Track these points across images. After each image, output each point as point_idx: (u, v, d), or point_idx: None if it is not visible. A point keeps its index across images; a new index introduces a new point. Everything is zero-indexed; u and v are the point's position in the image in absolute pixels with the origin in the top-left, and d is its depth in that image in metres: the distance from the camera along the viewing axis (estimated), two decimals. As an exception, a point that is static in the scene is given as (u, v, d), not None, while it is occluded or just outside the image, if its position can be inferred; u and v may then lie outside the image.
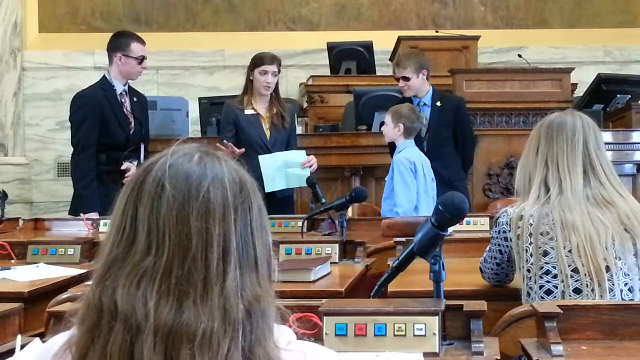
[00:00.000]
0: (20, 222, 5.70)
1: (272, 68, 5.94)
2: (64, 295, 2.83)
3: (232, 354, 1.32)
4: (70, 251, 4.08)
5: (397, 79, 6.33)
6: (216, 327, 1.31)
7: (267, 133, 6.00)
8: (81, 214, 5.75)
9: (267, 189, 5.66)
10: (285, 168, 5.81)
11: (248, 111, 5.99)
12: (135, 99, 6.20)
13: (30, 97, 10.48)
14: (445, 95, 6.57)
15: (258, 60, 5.97)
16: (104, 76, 6.14)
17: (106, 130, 5.97)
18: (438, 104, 6.13)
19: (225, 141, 5.73)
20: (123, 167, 5.95)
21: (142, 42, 6.16)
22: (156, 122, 8.45)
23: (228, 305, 1.33)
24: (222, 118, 6.23)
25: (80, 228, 5.37)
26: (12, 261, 4.08)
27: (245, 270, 1.38)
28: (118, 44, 6.11)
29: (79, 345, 1.34)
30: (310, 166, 5.86)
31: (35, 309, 3.04)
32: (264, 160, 5.79)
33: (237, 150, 5.67)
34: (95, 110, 5.94)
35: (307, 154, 6.07)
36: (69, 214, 6.17)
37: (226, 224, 1.37)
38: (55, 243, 4.21)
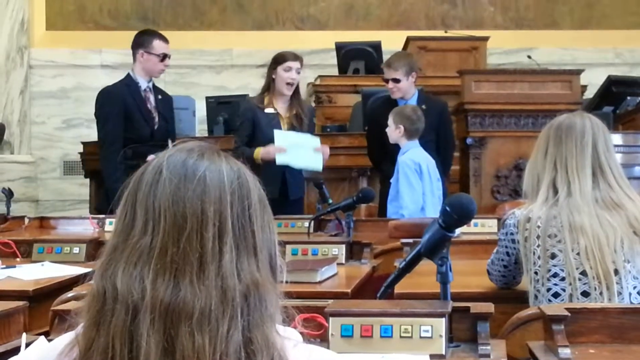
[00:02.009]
0: (26, 220, 5.71)
1: (296, 65, 5.97)
2: (69, 294, 2.83)
3: (232, 334, 1.32)
4: (76, 250, 4.08)
5: (386, 80, 6.34)
6: (214, 306, 1.33)
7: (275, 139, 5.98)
8: (116, 208, 5.77)
9: (278, 162, 5.66)
10: (298, 148, 5.79)
11: (268, 110, 5.99)
12: (160, 97, 6.28)
13: (37, 95, 10.50)
14: (430, 98, 6.59)
15: (281, 58, 5.99)
16: (128, 74, 6.22)
17: (131, 125, 6.03)
18: (423, 107, 6.10)
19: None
20: (149, 159, 5.97)
21: (165, 40, 6.22)
22: (163, 121, 8.45)
23: (225, 285, 1.34)
24: (240, 115, 6.24)
25: (85, 227, 5.37)
26: (18, 259, 4.08)
27: (243, 254, 1.39)
28: (141, 41, 6.19)
29: (85, 334, 1.35)
30: (323, 153, 5.89)
31: (41, 308, 3.04)
32: (279, 134, 5.82)
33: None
34: (119, 104, 6.02)
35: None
36: (98, 209, 6.15)
37: (222, 205, 1.38)
38: (60, 242, 4.21)
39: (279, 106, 6.02)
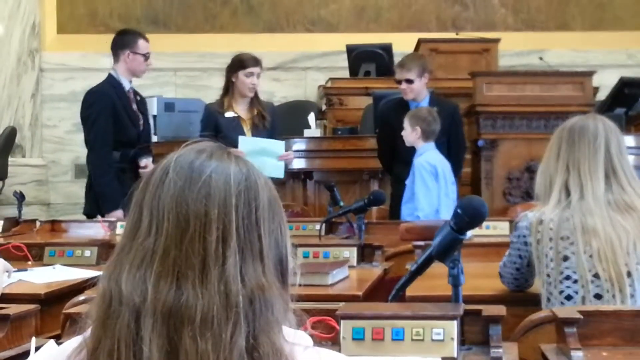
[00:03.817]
0: (37, 223, 5.71)
1: (257, 70, 5.97)
2: (81, 297, 2.84)
3: (236, 339, 1.31)
4: (87, 253, 4.08)
5: (399, 81, 6.33)
6: (216, 310, 1.31)
7: (249, 135, 5.98)
8: (107, 213, 5.75)
9: None
10: (263, 155, 5.78)
11: (228, 114, 5.99)
12: (138, 98, 6.24)
13: (48, 98, 10.52)
14: (442, 100, 6.58)
15: (242, 63, 5.98)
16: (110, 74, 6.14)
17: (119, 127, 5.97)
18: (435, 109, 6.09)
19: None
20: (142, 164, 5.95)
21: (147, 39, 6.19)
22: (174, 123, 8.49)
23: (228, 289, 1.33)
24: (201, 122, 6.22)
25: (97, 230, 5.38)
26: (29, 263, 4.09)
27: (248, 258, 1.37)
28: (125, 41, 6.12)
29: (93, 335, 1.35)
30: (287, 159, 5.96)
31: (52, 311, 3.05)
32: (243, 141, 5.80)
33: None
34: (108, 106, 5.94)
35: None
36: (86, 213, 6.13)
37: (226, 208, 1.36)
38: (72, 245, 4.21)
39: (240, 109, 6.02)
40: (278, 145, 5.95)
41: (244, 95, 5.99)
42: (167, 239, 1.35)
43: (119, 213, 5.74)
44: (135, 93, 6.22)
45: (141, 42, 6.11)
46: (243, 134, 5.94)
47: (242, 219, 1.37)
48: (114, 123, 5.94)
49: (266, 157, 5.79)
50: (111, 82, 6.08)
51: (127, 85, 6.10)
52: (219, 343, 1.30)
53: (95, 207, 6.00)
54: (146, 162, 5.99)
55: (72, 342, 1.42)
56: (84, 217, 6.10)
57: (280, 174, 5.90)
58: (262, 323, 1.34)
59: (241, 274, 1.35)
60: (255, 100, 6.07)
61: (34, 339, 1.83)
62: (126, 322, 1.32)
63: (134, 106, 6.12)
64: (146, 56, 6.10)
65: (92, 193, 6.09)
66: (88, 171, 6.17)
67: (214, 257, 1.34)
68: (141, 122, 6.14)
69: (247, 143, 5.81)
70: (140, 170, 5.95)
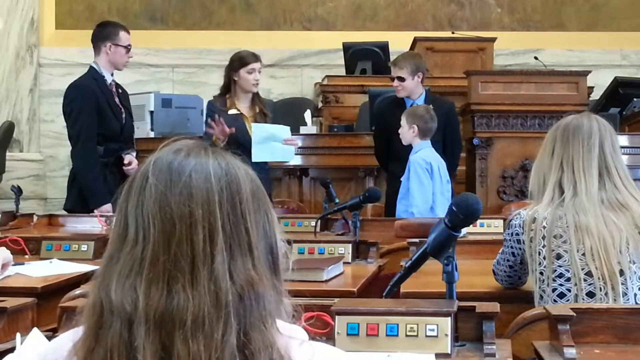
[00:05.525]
0: (35, 217, 5.70)
1: (258, 65, 5.98)
2: (77, 291, 2.85)
3: (227, 338, 1.31)
4: (84, 247, 4.08)
5: (392, 79, 6.36)
6: (207, 311, 1.31)
7: (251, 132, 5.99)
8: (95, 207, 5.73)
9: (254, 159, 5.63)
10: (272, 141, 5.84)
11: (231, 112, 5.99)
12: (120, 91, 6.18)
13: (46, 93, 10.51)
14: (437, 99, 6.59)
15: (243, 60, 5.98)
16: (91, 67, 6.08)
17: (102, 120, 5.92)
18: (430, 107, 6.11)
19: (217, 117, 5.76)
20: (126, 161, 5.93)
21: (128, 31, 6.14)
22: (171, 120, 8.49)
23: (218, 288, 1.33)
24: (205, 117, 6.20)
25: (94, 224, 5.36)
26: (26, 257, 4.08)
27: (237, 253, 1.37)
28: (106, 33, 6.06)
29: (84, 344, 1.35)
30: (292, 144, 6.03)
31: (49, 304, 3.05)
32: (256, 128, 5.84)
33: (228, 129, 5.69)
34: (92, 99, 5.88)
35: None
36: (68, 209, 6.08)
37: (210, 206, 1.36)
38: (69, 239, 4.21)
39: (242, 106, 6.02)
40: (285, 131, 5.99)
41: (247, 91, 6.00)
42: (154, 245, 1.35)
43: (107, 207, 5.72)
44: (117, 86, 6.16)
45: (122, 34, 6.06)
46: (246, 130, 5.94)
47: (227, 215, 1.37)
48: (97, 116, 5.89)
49: (275, 142, 5.84)
50: (93, 75, 6.02)
51: (109, 78, 6.04)
52: (211, 343, 1.30)
53: (78, 202, 5.96)
54: (130, 158, 5.96)
55: (62, 340, 1.43)
56: (80, 212, 6.05)
57: (290, 157, 6.01)
58: (253, 318, 1.35)
59: (230, 271, 1.35)
60: (256, 97, 6.09)
61: (18, 335, 1.83)
62: (118, 332, 1.32)
63: (117, 99, 6.06)
64: (128, 48, 6.05)
65: (74, 188, 6.04)
66: (73, 166, 6.14)
67: (202, 257, 1.34)
68: (123, 115, 6.09)
69: (260, 129, 5.85)
70: (124, 168, 5.93)
